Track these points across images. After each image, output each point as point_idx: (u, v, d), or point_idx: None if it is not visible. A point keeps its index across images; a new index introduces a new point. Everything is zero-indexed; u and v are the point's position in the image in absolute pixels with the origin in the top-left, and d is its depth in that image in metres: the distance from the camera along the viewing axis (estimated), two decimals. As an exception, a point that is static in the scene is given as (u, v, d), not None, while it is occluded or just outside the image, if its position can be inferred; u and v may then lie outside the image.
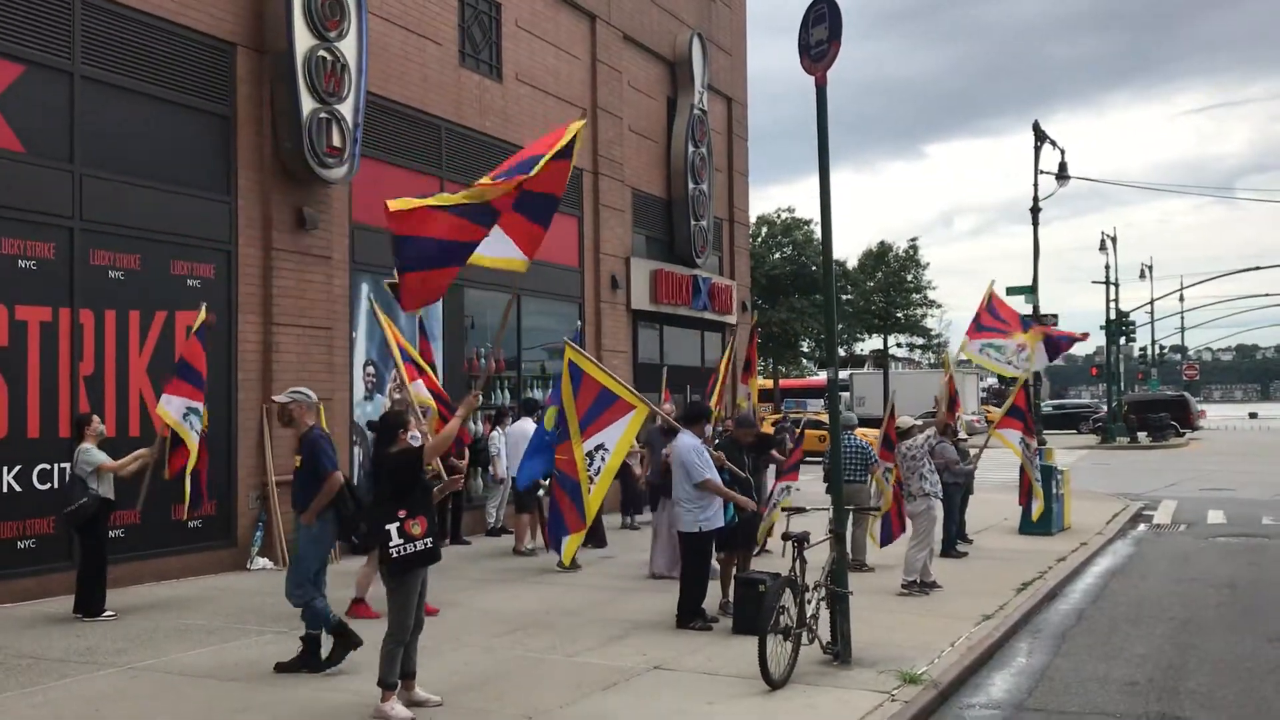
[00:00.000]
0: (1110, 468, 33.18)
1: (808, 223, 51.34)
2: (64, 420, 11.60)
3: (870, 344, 58.37)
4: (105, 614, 10.24)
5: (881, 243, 56.13)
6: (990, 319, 13.98)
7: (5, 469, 11.09)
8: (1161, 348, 62.33)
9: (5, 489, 11.09)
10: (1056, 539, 16.72)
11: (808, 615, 8.05)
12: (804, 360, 56.25)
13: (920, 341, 57.45)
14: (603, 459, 10.10)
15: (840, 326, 54.68)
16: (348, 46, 14.43)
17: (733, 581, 10.12)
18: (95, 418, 10.53)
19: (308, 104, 13.91)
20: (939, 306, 57.56)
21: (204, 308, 11.26)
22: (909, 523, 11.99)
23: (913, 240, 56.83)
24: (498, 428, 16.60)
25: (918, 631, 9.68)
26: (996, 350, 13.89)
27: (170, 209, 12.81)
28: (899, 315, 54.59)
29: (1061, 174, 30.01)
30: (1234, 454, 40.40)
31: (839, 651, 8.34)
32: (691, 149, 23.76)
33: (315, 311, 14.46)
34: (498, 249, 7.96)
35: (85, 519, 10.18)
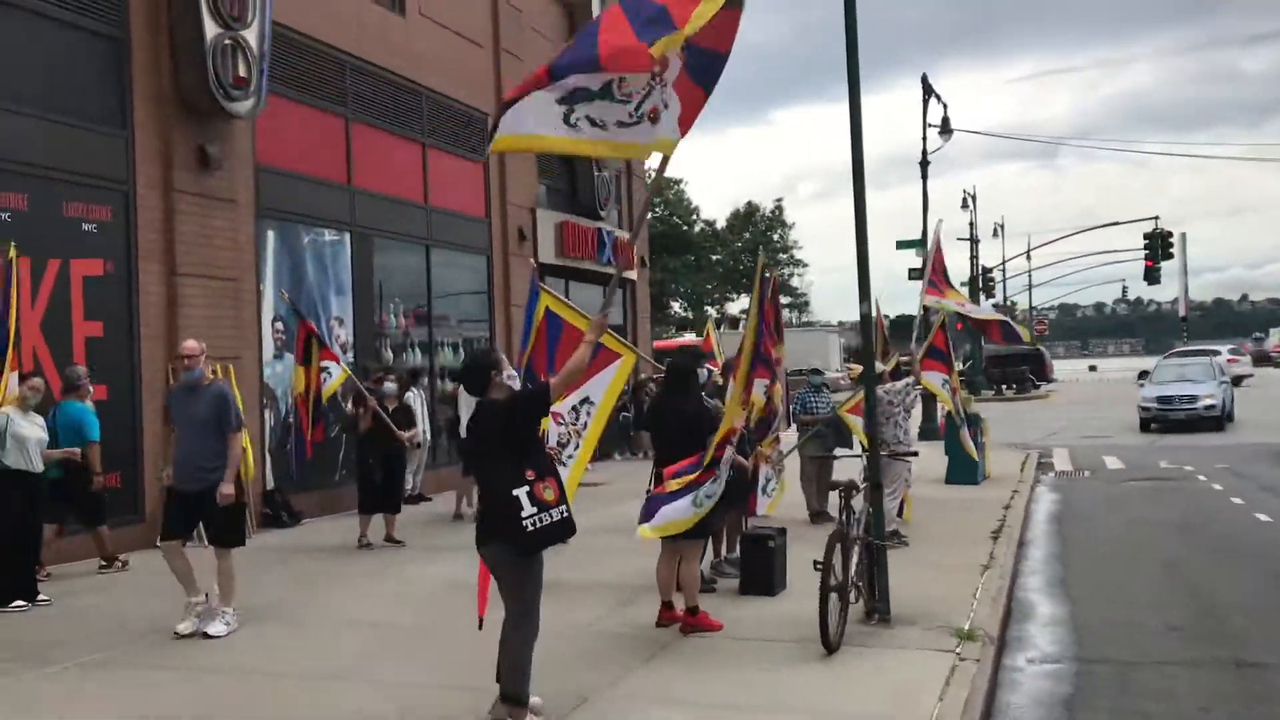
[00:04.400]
0: (986, 419, 33.76)
1: (679, 182, 50.85)
2: (-52, 383, 10.06)
3: (740, 304, 58.36)
4: (14, 605, 8.85)
5: (749, 203, 56.22)
6: (939, 278, 13.50)
7: (-119, 440, 9.51)
8: (1013, 304, 64.37)
9: (-118, 463, 9.52)
10: (985, 487, 16.63)
11: (852, 572, 7.39)
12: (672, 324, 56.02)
13: (787, 300, 57.82)
14: (589, 413, 9.27)
15: (710, 286, 54.55)
16: (251, -35, 12.99)
17: (736, 539, 9.44)
18: (36, 380, 9.13)
19: (211, 28, 12.45)
20: (805, 265, 58.03)
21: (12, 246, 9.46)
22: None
23: (778, 201, 57.27)
24: (413, 388, 15.46)
25: (928, 583, 9.14)
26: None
27: (61, 143, 11.27)
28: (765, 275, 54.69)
29: (945, 128, 30.15)
30: (1092, 403, 41.88)
31: (879, 608, 7.73)
32: (592, 96, 22.75)
33: (221, 261, 13.06)
34: (652, 131, 6.26)
35: None
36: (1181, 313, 74.16)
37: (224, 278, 13.07)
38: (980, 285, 48.27)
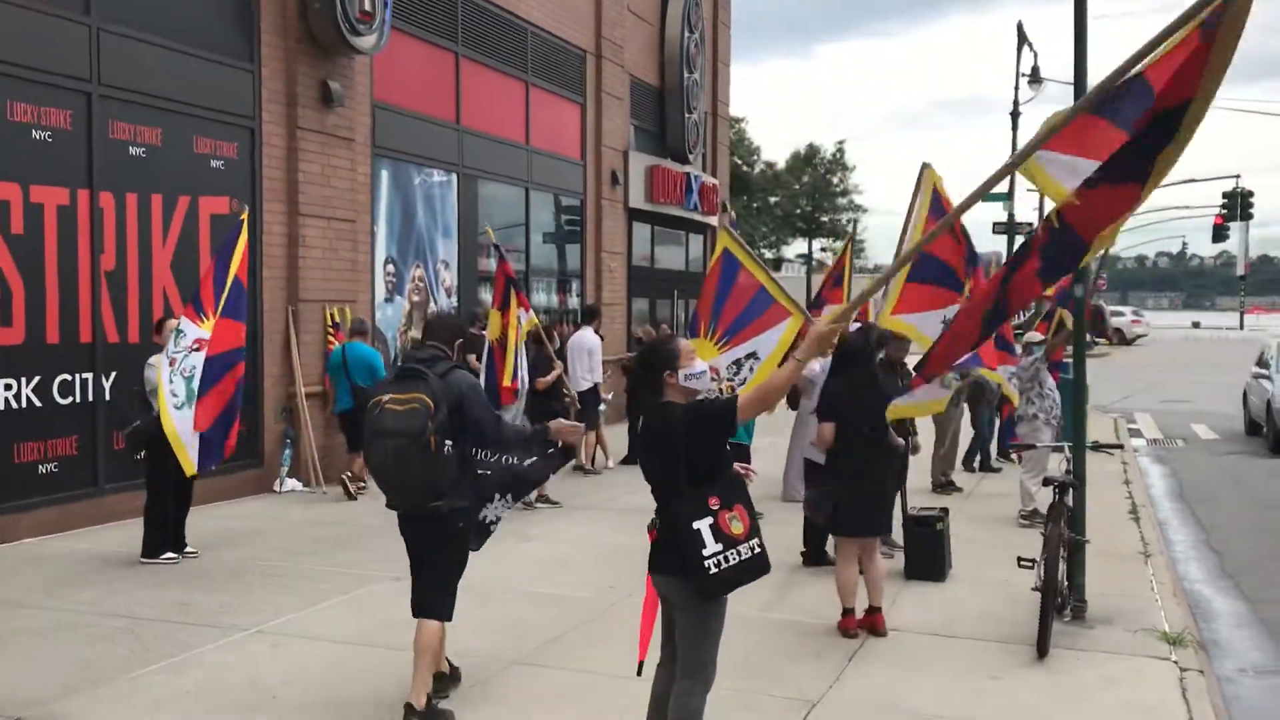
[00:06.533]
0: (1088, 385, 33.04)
1: (739, 121, 49.88)
2: (85, 323, 9.85)
3: (796, 248, 57.59)
4: (165, 556, 8.68)
5: (810, 145, 55.14)
6: None
7: (24, 380, 9.32)
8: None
9: (24, 404, 9.34)
10: (1090, 457, 16.14)
11: (1059, 572, 7.06)
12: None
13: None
14: (751, 369, 8.87)
15: (766, 228, 53.77)
16: (378, -106, 12.48)
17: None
18: (171, 320, 8.80)
19: (339, -41, 11.99)
20: (864, 211, 57.07)
21: (238, 204, 8.95)
22: None
23: (840, 143, 56.05)
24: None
25: (1097, 574, 8.62)
26: None
27: (192, 75, 10.90)
28: (824, 219, 53.88)
29: (1035, 78, 29.30)
30: (1159, 362, 41.10)
31: (1075, 607, 7.42)
32: (687, 34, 22.14)
33: (339, 201, 12.72)
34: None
35: (143, 444, 8.56)
36: (1240, 270, 72.63)
37: (342, 218, 12.74)
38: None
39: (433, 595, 5.52)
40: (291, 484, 12.02)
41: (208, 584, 8.05)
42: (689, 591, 4.53)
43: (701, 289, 8.94)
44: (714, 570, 4.42)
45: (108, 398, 10.01)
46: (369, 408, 5.31)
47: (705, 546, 4.43)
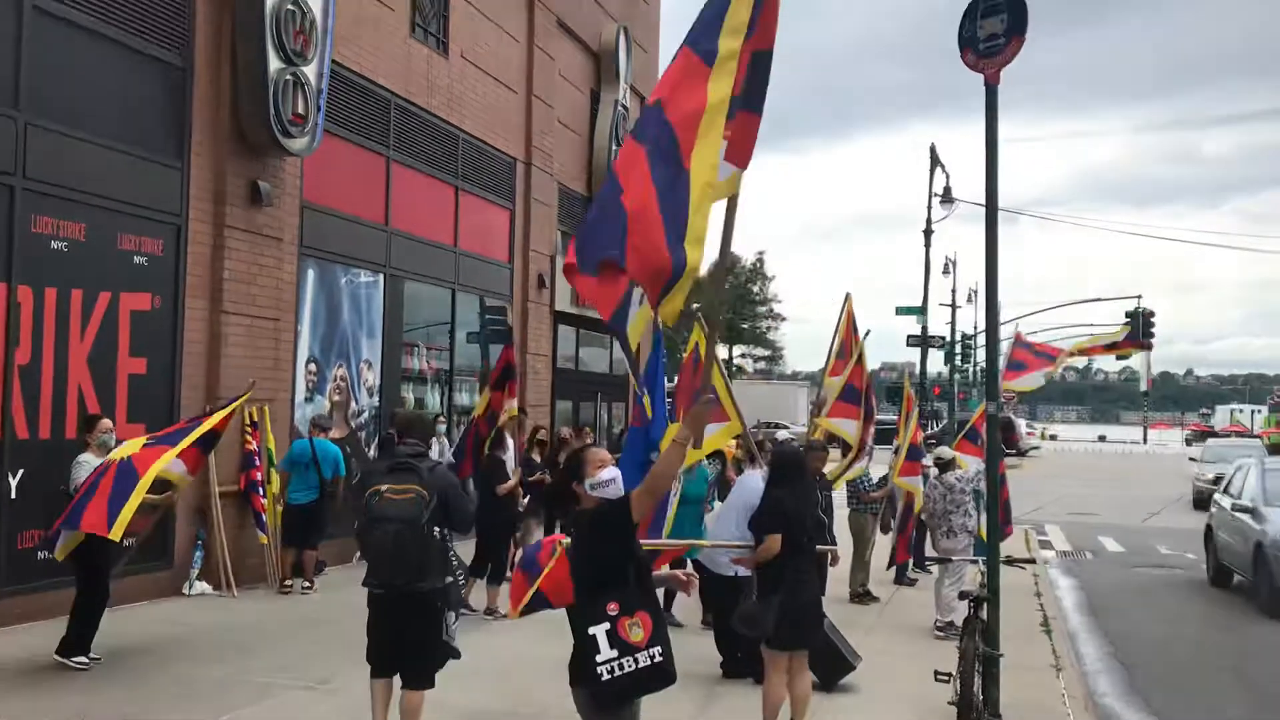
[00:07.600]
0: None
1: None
2: (-6, 419, 9.61)
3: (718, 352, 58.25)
4: (75, 660, 8.36)
5: (730, 254, 56.18)
6: (1026, 355, 13.95)
7: (-74, 477, 9.05)
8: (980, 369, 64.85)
9: (-75, 501, 9.04)
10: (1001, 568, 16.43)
11: (974, 686, 7.15)
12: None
13: (765, 354, 57.81)
14: None
15: (686, 333, 54.39)
16: (315, 0, 12.72)
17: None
18: (105, 421, 8.66)
19: (274, 63, 12.14)
20: (783, 319, 58.13)
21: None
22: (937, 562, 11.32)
23: (760, 253, 57.20)
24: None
25: (1010, 686, 8.84)
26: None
27: (120, 172, 10.86)
28: (744, 326, 54.71)
29: (947, 197, 30.40)
30: (1066, 475, 42.11)
31: (990, 721, 7.50)
32: (614, 146, 22.66)
33: (264, 299, 12.67)
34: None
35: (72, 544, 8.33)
36: (1144, 386, 75.28)
37: (266, 317, 12.68)
38: (960, 351, 48.61)
39: (426, 670, 6.43)
40: (201, 586, 11.70)
41: (109, 692, 7.77)
42: (587, 703, 4.48)
43: (680, 378, 9.35)
44: (606, 677, 4.33)
45: (14, 495, 9.73)
46: (367, 496, 6.02)
47: (599, 652, 4.35)
